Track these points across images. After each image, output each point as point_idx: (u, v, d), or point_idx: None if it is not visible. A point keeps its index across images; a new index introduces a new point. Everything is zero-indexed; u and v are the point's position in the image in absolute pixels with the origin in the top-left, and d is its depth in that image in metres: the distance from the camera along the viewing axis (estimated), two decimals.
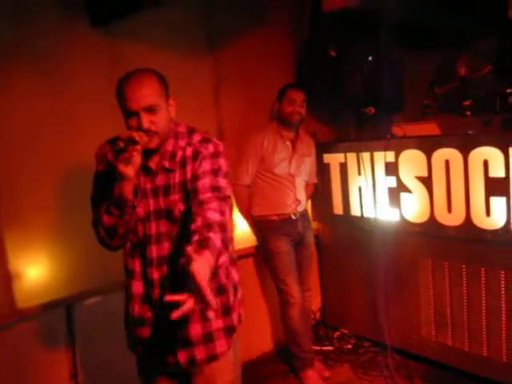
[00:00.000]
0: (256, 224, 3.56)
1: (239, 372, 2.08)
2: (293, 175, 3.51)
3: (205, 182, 1.80)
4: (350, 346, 3.95)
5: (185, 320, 1.84)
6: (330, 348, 3.95)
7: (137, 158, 1.72)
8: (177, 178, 1.86)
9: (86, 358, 2.94)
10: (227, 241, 1.70)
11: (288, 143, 3.52)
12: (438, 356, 3.44)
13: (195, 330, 1.88)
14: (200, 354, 1.90)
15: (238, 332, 2.01)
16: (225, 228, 1.69)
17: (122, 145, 1.68)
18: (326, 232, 4.16)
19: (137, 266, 1.92)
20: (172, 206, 1.85)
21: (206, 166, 1.84)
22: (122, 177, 1.72)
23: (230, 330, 1.96)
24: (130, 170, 1.71)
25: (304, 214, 3.62)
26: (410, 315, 3.55)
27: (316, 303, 4.27)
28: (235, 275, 2.04)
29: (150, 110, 1.77)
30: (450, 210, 3.18)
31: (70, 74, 2.86)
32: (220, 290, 1.93)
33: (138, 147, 1.72)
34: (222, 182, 1.84)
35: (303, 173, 3.60)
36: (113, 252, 1.96)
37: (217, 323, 1.91)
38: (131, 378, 2.14)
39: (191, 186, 1.81)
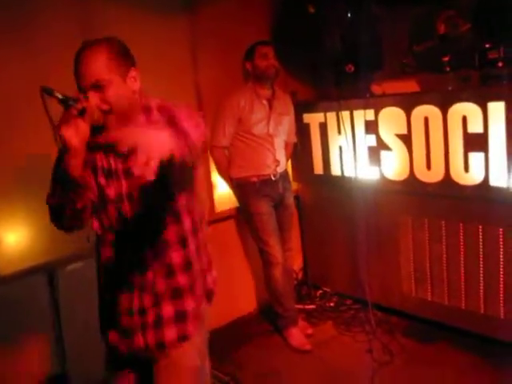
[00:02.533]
0: (236, 186, 3.54)
1: (206, 355, 1.97)
2: (271, 135, 3.48)
3: None
4: (332, 304, 4.01)
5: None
6: (313, 306, 4.01)
7: (83, 127, 1.56)
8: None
9: (71, 323, 2.94)
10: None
11: (265, 102, 3.47)
12: (419, 311, 3.52)
13: (167, 310, 1.80)
14: (170, 335, 1.81)
15: (203, 316, 1.92)
16: None
17: (61, 97, 1.55)
18: (307, 192, 4.18)
19: (104, 254, 1.84)
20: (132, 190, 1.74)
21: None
22: (66, 146, 1.56)
23: (182, 316, 1.83)
24: (74, 139, 1.54)
25: (284, 174, 3.61)
26: (390, 272, 3.61)
27: (298, 263, 4.31)
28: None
29: (97, 86, 1.63)
30: (429, 166, 3.20)
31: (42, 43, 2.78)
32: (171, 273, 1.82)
33: (84, 107, 1.57)
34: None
35: (282, 132, 3.58)
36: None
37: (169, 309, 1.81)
38: None
39: None
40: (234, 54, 3.66)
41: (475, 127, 2.93)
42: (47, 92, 1.53)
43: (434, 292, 3.38)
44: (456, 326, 3.29)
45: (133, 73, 1.72)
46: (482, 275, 3.10)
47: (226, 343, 3.47)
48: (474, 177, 2.99)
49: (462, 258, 3.17)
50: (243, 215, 3.63)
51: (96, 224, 1.84)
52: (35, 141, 2.76)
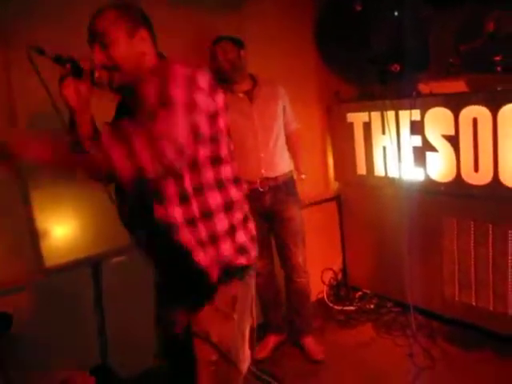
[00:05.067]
0: None
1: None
2: (256, 131, 3.09)
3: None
4: (372, 306, 3.96)
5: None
6: (352, 308, 3.97)
7: (83, 88, 1.60)
8: None
9: (114, 316, 2.98)
10: None
11: (241, 95, 3.11)
12: (462, 316, 3.43)
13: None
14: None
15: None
16: None
17: (52, 56, 1.58)
18: (348, 192, 4.14)
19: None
20: None
21: None
22: (67, 106, 1.62)
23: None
24: (72, 98, 1.59)
25: (280, 185, 3.18)
26: (433, 275, 3.54)
27: (337, 264, 4.28)
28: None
29: (102, 42, 1.64)
30: (476, 169, 3.12)
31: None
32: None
33: (80, 67, 1.60)
34: None
35: (274, 125, 3.16)
36: None
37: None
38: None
39: None
40: (278, 53, 3.65)
41: None
42: (37, 51, 1.56)
43: (478, 297, 3.30)
44: (501, 333, 3.20)
45: (143, 33, 1.71)
46: None
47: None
48: None
49: (509, 263, 3.08)
50: None
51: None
52: None
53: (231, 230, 1.80)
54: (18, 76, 2.64)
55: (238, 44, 3.11)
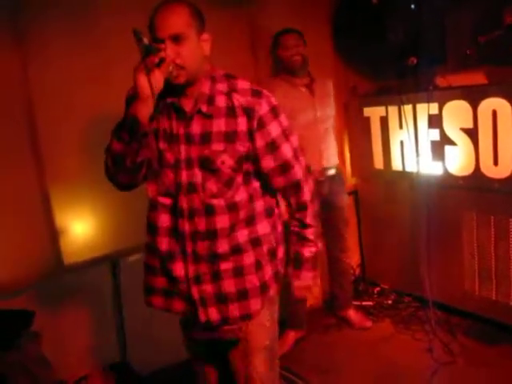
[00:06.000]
0: None
1: (276, 335, 2.01)
2: (318, 121, 3.27)
3: (287, 153, 1.81)
4: (390, 302, 3.94)
5: (219, 276, 1.81)
6: (370, 303, 3.95)
7: (158, 77, 1.59)
8: (222, 126, 1.72)
9: (132, 313, 3.00)
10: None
11: (303, 90, 3.29)
12: (482, 311, 3.40)
13: (229, 286, 1.81)
14: (233, 311, 1.83)
15: (275, 293, 1.95)
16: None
17: (146, 43, 1.56)
18: (366, 187, 4.11)
19: (162, 221, 1.82)
20: (213, 156, 1.72)
21: (276, 130, 1.78)
22: (138, 92, 1.59)
23: (263, 287, 1.86)
24: (147, 87, 1.57)
25: (334, 175, 3.41)
26: (452, 270, 3.51)
27: (355, 259, 4.26)
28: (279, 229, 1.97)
29: (177, 39, 1.64)
30: (496, 162, 3.08)
31: (105, 31, 2.83)
32: (255, 243, 1.85)
33: (163, 58, 1.59)
34: (294, 139, 1.84)
35: (330, 116, 3.41)
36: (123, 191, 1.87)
37: (251, 280, 1.83)
38: (176, 332, 2.17)
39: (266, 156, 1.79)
40: None
41: None
42: (136, 35, 1.56)
43: (498, 291, 3.26)
44: None
45: (206, 36, 1.75)
46: None
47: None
48: None
49: None
50: None
51: (151, 188, 1.85)
52: (100, 131, 2.83)
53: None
54: (35, 73, 2.67)
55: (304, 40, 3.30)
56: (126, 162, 1.67)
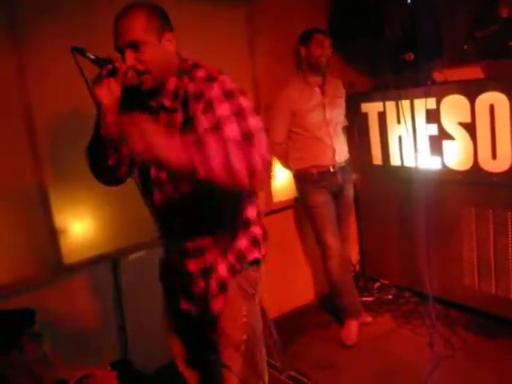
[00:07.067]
0: (295, 177, 3.54)
1: (257, 330, 2.00)
2: (327, 122, 3.40)
3: (230, 133, 1.61)
4: (390, 297, 3.96)
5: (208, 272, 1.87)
6: (370, 299, 3.97)
7: (115, 87, 1.62)
8: (179, 118, 1.74)
9: (133, 311, 3.01)
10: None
11: (317, 89, 3.41)
12: (481, 305, 3.42)
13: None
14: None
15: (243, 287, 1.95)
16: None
17: (92, 57, 1.61)
18: (365, 183, 4.12)
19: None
20: None
21: (224, 110, 1.65)
22: (98, 103, 1.63)
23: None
24: (103, 97, 1.62)
25: (344, 166, 3.53)
26: (452, 264, 3.53)
27: (355, 255, 4.26)
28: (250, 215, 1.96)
29: (135, 46, 1.67)
30: (494, 156, 3.09)
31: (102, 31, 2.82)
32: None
33: (116, 67, 1.62)
34: (252, 121, 1.65)
35: (338, 117, 3.51)
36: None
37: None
38: None
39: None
40: (290, 46, 3.62)
41: None
42: (79, 52, 1.61)
43: (498, 285, 3.27)
44: None
45: (168, 36, 1.76)
46: None
47: (282, 334, 3.44)
48: None
49: None
50: (302, 205, 3.61)
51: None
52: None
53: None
54: (32, 73, 2.66)
55: None
56: (98, 164, 1.79)
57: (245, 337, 1.92)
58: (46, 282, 2.78)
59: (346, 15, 3.80)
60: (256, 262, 1.95)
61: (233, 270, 1.90)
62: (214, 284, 1.88)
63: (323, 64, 3.37)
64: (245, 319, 1.93)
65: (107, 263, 2.99)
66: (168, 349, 2.23)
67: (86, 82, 1.66)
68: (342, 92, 3.62)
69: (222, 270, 1.88)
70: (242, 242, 1.91)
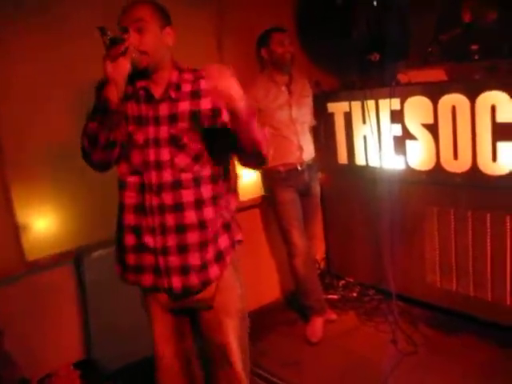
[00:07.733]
0: (262, 175, 3.55)
1: (245, 300, 2.14)
2: (294, 121, 3.44)
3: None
4: (354, 294, 4.00)
5: (185, 248, 1.93)
6: (335, 296, 4.00)
7: (123, 63, 1.75)
8: (186, 106, 1.91)
9: (97, 309, 2.97)
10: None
11: (283, 88, 3.44)
12: (443, 302, 3.48)
13: (193, 259, 1.94)
14: (193, 279, 1.95)
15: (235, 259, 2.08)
16: None
17: (111, 36, 1.71)
18: (330, 182, 4.15)
19: (128, 197, 1.96)
20: (180, 134, 1.90)
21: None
22: (107, 77, 1.75)
23: (219, 256, 2.01)
24: (115, 73, 1.74)
25: (311, 164, 3.58)
26: (414, 263, 3.59)
27: (320, 253, 4.30)
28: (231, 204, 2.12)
29: (139, 30, 1.85)
30: (456, 156, 3.16)
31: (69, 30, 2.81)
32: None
33: (126, 47, 1.75)
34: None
35: (305, 116, 3.55)
36: (97, 172, 1.98)
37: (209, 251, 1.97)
38: (142, 327, 2.17)
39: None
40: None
41: (504, 116, 2.88)
42: (102, 31, 1.71)
43: (459, 283, 3.35)
44: (481, 318, 3.25)
45: (169, 30, 1.96)
46: (509, 266, 3.05)
47: (249, 332, 3.47)
48: (503, 166, 2.94)
49: (488, 249, 3.13)
50: (269, 203, 3.63)
51: (120, 168, 1.99)
52: (62, 128, 2.79)
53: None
54: None
55: None
56: (101, 139, 1.82)
57: (240, 305, 2.09)
58: (8, 278, 2.74)
59: (313, 15, 3.84)
60: (238, 242, 2.11)
61: (232, 243, 2.06)
62: (211, 254, 1.98)
63: (287, 60, 3.39)
64: (238, 290, 2.09)
65: (71, 260, 2.95)
66: (132, 347, 2.22)
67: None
68: (309, 91, 3.66)
69: (223, 242, 2.02)
70: (232, 224, 2.07)
